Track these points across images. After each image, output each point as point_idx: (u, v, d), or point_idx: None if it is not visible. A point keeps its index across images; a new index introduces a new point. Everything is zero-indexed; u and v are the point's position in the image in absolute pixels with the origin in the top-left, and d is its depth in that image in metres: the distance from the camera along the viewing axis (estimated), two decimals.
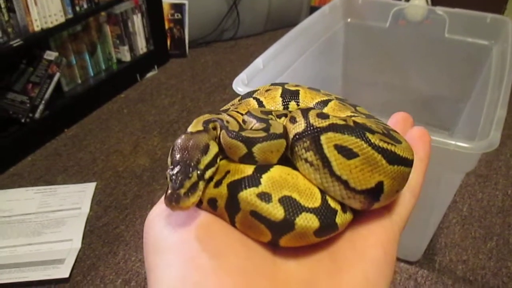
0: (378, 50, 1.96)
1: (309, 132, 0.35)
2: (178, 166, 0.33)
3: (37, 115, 2.00)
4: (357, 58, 2.02)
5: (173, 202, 0.31)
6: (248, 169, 0.34)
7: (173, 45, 2.73)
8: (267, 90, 0.48)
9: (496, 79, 1.36)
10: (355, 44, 1.98)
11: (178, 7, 2.65)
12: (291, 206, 0.32)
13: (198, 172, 0.33)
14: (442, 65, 1.90)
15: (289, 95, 0.47)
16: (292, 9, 3.00)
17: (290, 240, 0.32)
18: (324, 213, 0.33)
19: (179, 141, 0.35)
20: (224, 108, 0.45)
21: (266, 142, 0.36)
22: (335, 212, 0.33)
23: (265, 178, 0.33)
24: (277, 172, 0.34)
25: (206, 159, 0.34)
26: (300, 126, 0.36)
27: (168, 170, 0.33)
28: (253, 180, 0.33)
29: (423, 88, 1.99)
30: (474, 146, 1.00)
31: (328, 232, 0.33)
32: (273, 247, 0.33)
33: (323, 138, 0.34)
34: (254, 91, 0.48)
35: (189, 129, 0.37)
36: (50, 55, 2.06)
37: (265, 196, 0.32)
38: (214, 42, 2.91)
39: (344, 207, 0.34)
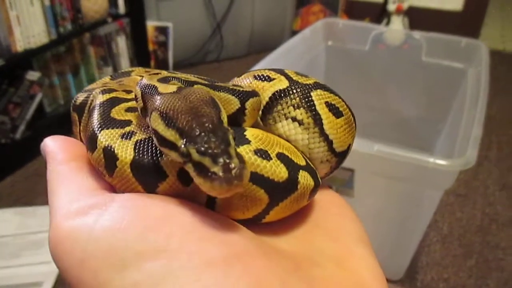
0: (358, 72, 2.01)
1: (297, 88, 0.32)
2: (204, 133, 0.24)
3: (17, 135, 1.98)
4: (338, 80, 2.06)
5: (235, 180, 0.23)
6: None
7: (157, 66, 2.76)
8: (147, 71, 0.42)
9: (472, 100, 1.41)
10: (336, 66, 2.03)
11: (163, 30, 2.68)
12: (290, 163, 0.28)
13: (230, 133, 0.25)
14: (420, 88, 1.95)
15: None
16: (274, 33, 3.06)
17: (287, 206, 0.28)
18: (313, 172, 0.30)
19: (176, 104, 0.26)
20: (94, 87, 0.37)
21: (256, 97, 0.32)
22: (315, 171, 0.31)
23: (249, 135, 0.29)
24: (255, 130, 0.30)
25: (224, 115, 0.27)
26: (281, 82, 0.33)
27: (182, 144, 0.24)
28: (239, 137, 0.28)
29: (403, 110, 2.04)
30: (452, 164, 1.03)
31: (316, 191, 0.31)
32: (253, 226, 0.28)
33: (314, 94, 0.32)
34: (128, 72, 0.42)
35: (161, 90, 0.29)
36: (33, 75, 2.05)
37: (262, 153, 0.27)
38: (198, 64, 2.94)
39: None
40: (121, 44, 2.48)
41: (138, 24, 2.53)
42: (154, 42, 2.71)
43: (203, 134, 0.24)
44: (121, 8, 2.37)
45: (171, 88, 0.28)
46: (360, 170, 1.17)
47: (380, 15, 3.13)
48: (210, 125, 0.25)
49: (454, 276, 1.43)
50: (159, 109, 0.26)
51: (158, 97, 0.27)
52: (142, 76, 0.39)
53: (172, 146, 0.25)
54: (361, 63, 2.00)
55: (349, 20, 3.16)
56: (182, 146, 0.24)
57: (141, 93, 0.29)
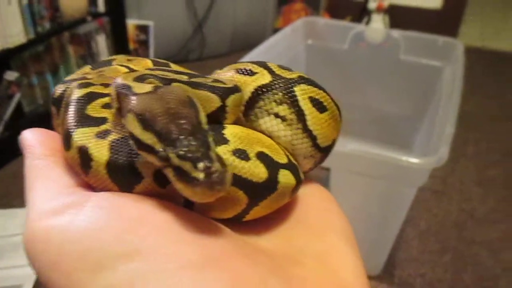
0: (339, 71, 2.03)
1: (280, 83, 0.31)
2: (183, 136, 0.24)
3: None
4: (318, 78, 2.03)
5: (217, 185, 0.22)
6: None
7: None
8: (129, 60, 0.41)
9: (447, 98, 1.43)
10: (316, 65, 2.04)
11: (143, 28, 2.66)
12: (270, 162, 0.28)
13: (209, 135, 0.25)
14: (399, 86, 1.98)
15: (162, 65, 0.40)
16: (256, 31, 3.06)
17: (267, 205, 0.28)
18: (294, 169, 0.30)
19: (152, 105, 0.25)
20: (73, 78, 0.36)
21: (239, 93, 0.31)
22: (298, 168, 0.31)
23: (228, 134, 0.28)
24: (235, 128, 0.29)
25: (203, 115, 0.26)
26: (263, 77, 0.32)
27: (161, 148, 0.24)
28: (217, 137, 0.28)
29: (383, 108, 2.07)
30: (424, 162, 1.05)
31: (298, 189, 0.30)
32: (234, 224, 0.28)
33: (297, 89, 0.31)
34: (109, 61, 0.40)
35: (136, 91, 0.27)
36: (11, 75, 2.02)
37: (241, 153, 0.27)
38: (180, 63, 2.89)
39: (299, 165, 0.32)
40: (101, 43, 2.46)
41: (118, 22, 2.51)
42: (135, 40, 2.70)
43: (182, 137, 0.23)
44: (101, 6, 2.35)
45: (147, 87, 0.28)
46: (336, 168, 1.19)
47: (361, 13, 3.15)
48: (189, 127, 0.24)
49: (431, 271, 1.46)
50: (135, 110, 0.26)
51: (134, 98, 0.27)
52: (124, 66, 0.39)
53: (151, 149, 0.24)
54: (341, 62, 2.01)
55: (330, 18, 3.18)
56: (161, 150, 0.24)
57: (116, 93, 0.29)
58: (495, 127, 2.33)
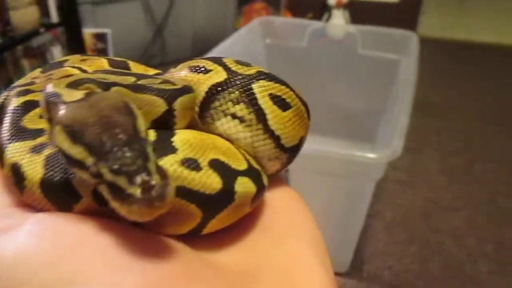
0: (300, 69, 2.03)
1: (236, 81, 0.29)
2: (117, 148, 0.21)
3: None
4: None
5: (157, 200, 0.20)
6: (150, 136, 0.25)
7: None
8: (83, 60, 0.38)
9: (403, 91, 1.44)
10: (276, 63, 2.04)
11: (101, 37, 2.61)
12: (225, 171, 0.26)
13: (148, 144, 0.22)
14: (359, 80, 1.99)
15: (118, 66, 0.38)
16: (217, 33, 3.04)
17: (225, 218, 0.26)
18: (255, 175, 0.27)
19: (82, 114, 0.23)
20: (20, 83, 0.33)
21: (187, 95, 0.28)
22: (260, 173, 0.29)
23: (177, 141, 0.26)
24: (187, 134, 0.27)
25: (142, 123, 0.24)
26: (218, 74, 0.29)
27: (92, 162, 0.21)
28: (164, 146, 0.25)
29: (346, 104, 2.08)
30: (379, 156, 1.05)
31: (260, 197, 0.28)
32: (190, 239, 0.26)
33: (256, 86, 0.29)
34: (61, 62, 0.38)
35: (65, 99, 0.25)
36: None
37: (191, 163, 0.25)
38: None
39: (262, 168, 0.30)
40: (57, 54, 2.39)
41: (73, 32, 2.45)
42: (93, 49, 2.64)
43: (115, 149, 0.21)
44: (54, 17, 2.29)
45: (77, 94, 0.25)
46: (294, 168, 1.18)
47: (322, 10, 3.17)
48: (124, 137, 0.21)
49: (398, 263, 1.47)
50: (63, 122, 0.23)
51: (62, 107, 0.24)
52: (76, 67, 0.36)
53: (81, 165, 0.22)
54: (301, 59, 2.01)
55: (291, 17, 3.19)
56: (92, 165, 0.21)
57: (45, 102, 0.26)
58: (456, 115, 2.37)
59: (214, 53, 1.60)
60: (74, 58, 0.38)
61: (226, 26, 3.10)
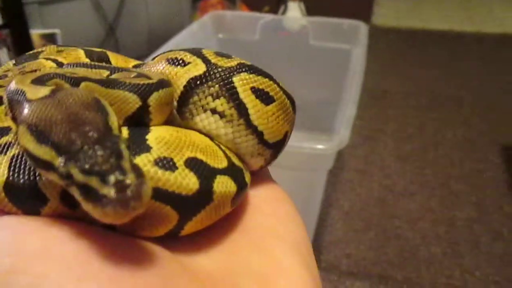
0: (252, 62, 2.01)
1: (216, 74, 0.28)
2: (87, 146, 0.20)
3: None
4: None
5: (133, 201, 0.18)
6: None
7: None
8: (59, 51, 0.37)
9: (353, 80, 1.46)
10: None
11: (50, 37, 2.52)
12: (202, 170, 0.24)
13: (122, 141, 0.21)
14: (312, 72, 2.00)
15: (97, 57, 0.37)
16: (173, 29, 2.99)
17: (203, 219, 0.25)
18: (235, 173, 0.26)
19: (48, 112, 0.21)
20: None
21: (163, 89, 0.27)
22: (242, 170, 0.27)
23: (151, 139, 0.24)
24: (162, 131, 0.25)
25: (114, 119, 0.22)
26: (197, 67, 0.28)
27: (61, 163, 0.19)
28: (138, 144, 0.23)
29: (302, 95, 2.06)
30: (326, 147, 1.06)
31: (241, 195, 0.27)
32: (168, 241, 0.24)
33: (236, 80, 0.28)
34: (36, 53, 0.37)
35: (30, 96, 0.23)
36: None
37: (165, 162, 0.23)
38: None
39: (244, 165, 0.28)
40: (3, 57, 2.30)
41: (20, 34, 2.37)
42: None
43: (85, 147, 0.20)
44: None
45: (43, 91, 0.23)
46: None
47: (278, 3, 3.17)
48: (95, 135, 0.20)
49: (356, 250, 1.49)
50: (27, 121, 0.21)
51: (26, 106, 0.22)
52: (52, 59, 0.34)
53: (49, 166, 0.20)
54: (254, 53, 2.01)
55: (247, 10, 3.18)
56: (61, 165, 0.20)
57: (8, 100, 0.24)
58: (410, 102, 2.42)
59: (164, 50, 1.57)
60: (50, 49, 0.37)
61: (182, 22, 3.05)
